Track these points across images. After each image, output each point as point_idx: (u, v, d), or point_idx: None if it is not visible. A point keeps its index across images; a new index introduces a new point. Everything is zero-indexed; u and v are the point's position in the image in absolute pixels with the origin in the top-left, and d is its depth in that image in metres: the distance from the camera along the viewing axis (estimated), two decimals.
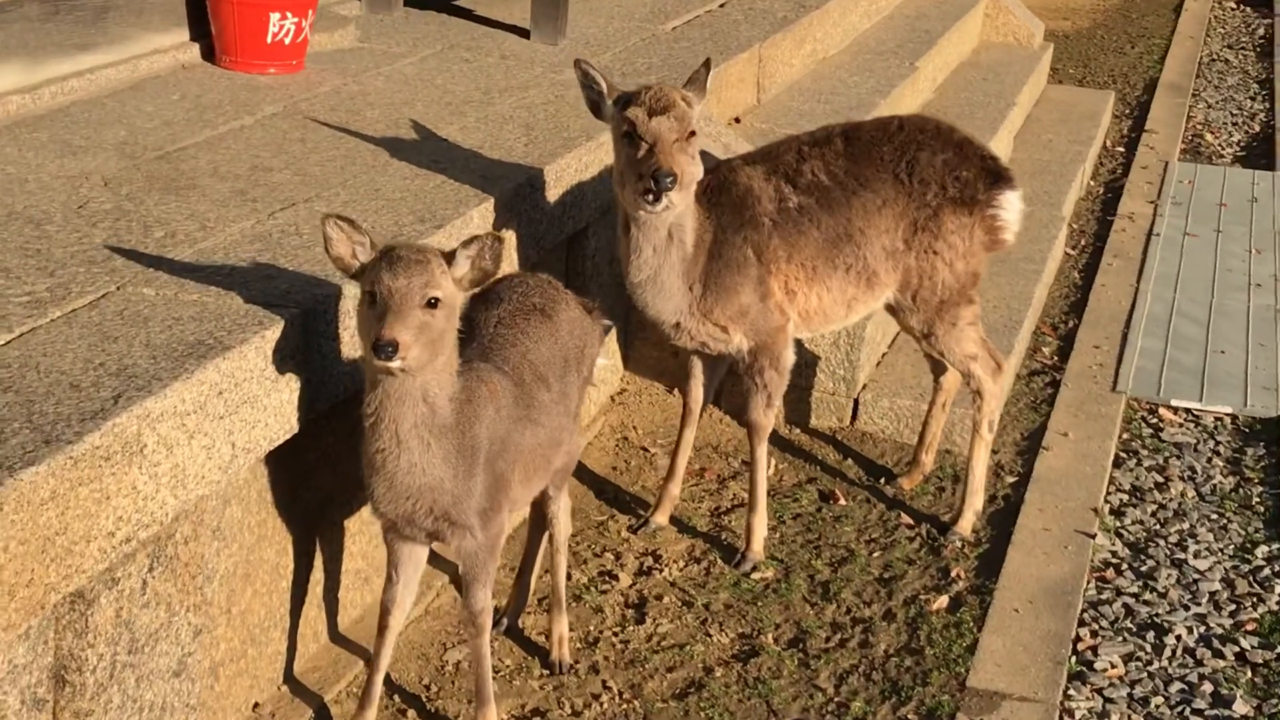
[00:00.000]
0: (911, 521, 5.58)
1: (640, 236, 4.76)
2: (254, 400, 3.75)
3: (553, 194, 5.33)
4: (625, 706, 4.45)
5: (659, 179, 4.51)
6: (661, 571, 5.14)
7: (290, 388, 3.90)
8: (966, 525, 5.52)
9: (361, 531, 4.63)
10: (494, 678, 4.40)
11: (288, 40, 6.06)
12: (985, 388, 5.43)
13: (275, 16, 5.94)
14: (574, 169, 5.47)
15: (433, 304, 3.61)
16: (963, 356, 5.37)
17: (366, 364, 3.74)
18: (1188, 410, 6.78)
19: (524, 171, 5.20)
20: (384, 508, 3.88)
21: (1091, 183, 10.16)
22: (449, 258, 3.70)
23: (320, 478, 4.37)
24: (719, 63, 6.91)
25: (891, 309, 5.39)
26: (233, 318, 3.83)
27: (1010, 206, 5.38)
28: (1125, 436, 6.48)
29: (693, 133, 4.65)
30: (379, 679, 4.13)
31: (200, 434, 3.54)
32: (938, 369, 5.74)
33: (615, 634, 4.78)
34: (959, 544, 5.44)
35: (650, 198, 4.56)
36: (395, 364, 3.55)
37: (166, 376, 3.47)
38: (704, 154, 4.93)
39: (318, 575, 4.44)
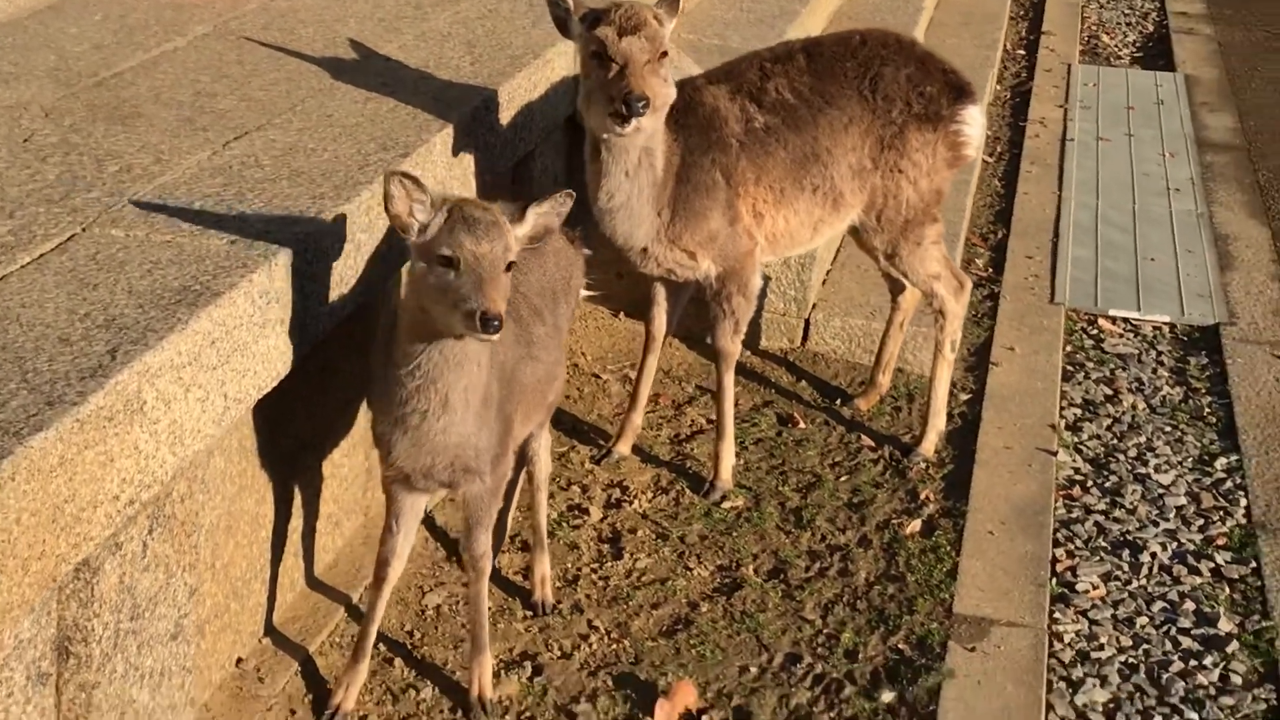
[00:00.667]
0: (873, 443, 5.52)
1: (610, 161, 4.60)
2: (244, 348, 3.55)
3: (505, 116, 5.14)
4: (615, 647, 4.34)
5: (630, 103, 4.34)
6: (631, 504, 5.02)
7: (276, 332, 3.70)
8: (930, 446, 5.46)
9: (333, 475, 4.47)
10: None
11: None
12: (948, 307, 5.36)
13: None
14: (524, 89, 5.28)
15: (509, 268, 3.44)
16: (926, 276, 5.29)
17: (434, 327, 3.50)
18: (1126, 320, 6.78)
19: (478, 93, 5.00)
20: (403, 463, 3.71)
21: (998, 87, 10.12)
22: (518, 215, 3.54)
23: (297, 423, 4.19)
24: None
25: (854, 230, 5.29)
26: (214, 260, 3.62)
27: (973, 121, 5.28)
28: (1069, 349, 6.46)
29: (665, 53, 4.48)
30: (373, 631, 3.98)
31: (196, 386, 3.34)
32: (895, 288, 5.66)
33: (594, 571, 4.67)
34: (924, 465, 5.39)
35: (619, 121, 4.39)
36: (497, 336, 3.39)
37: (160, 328, 3.26)
38: None
39: (295, 523, 4.27)
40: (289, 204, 3.99)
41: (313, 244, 3.85)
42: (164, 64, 5.02)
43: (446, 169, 4.65)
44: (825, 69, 5.09)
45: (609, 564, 4.68)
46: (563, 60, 5.53)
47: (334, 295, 3.97)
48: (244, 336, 3.55)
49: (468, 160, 4.83)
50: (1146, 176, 8.56)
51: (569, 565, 4.68)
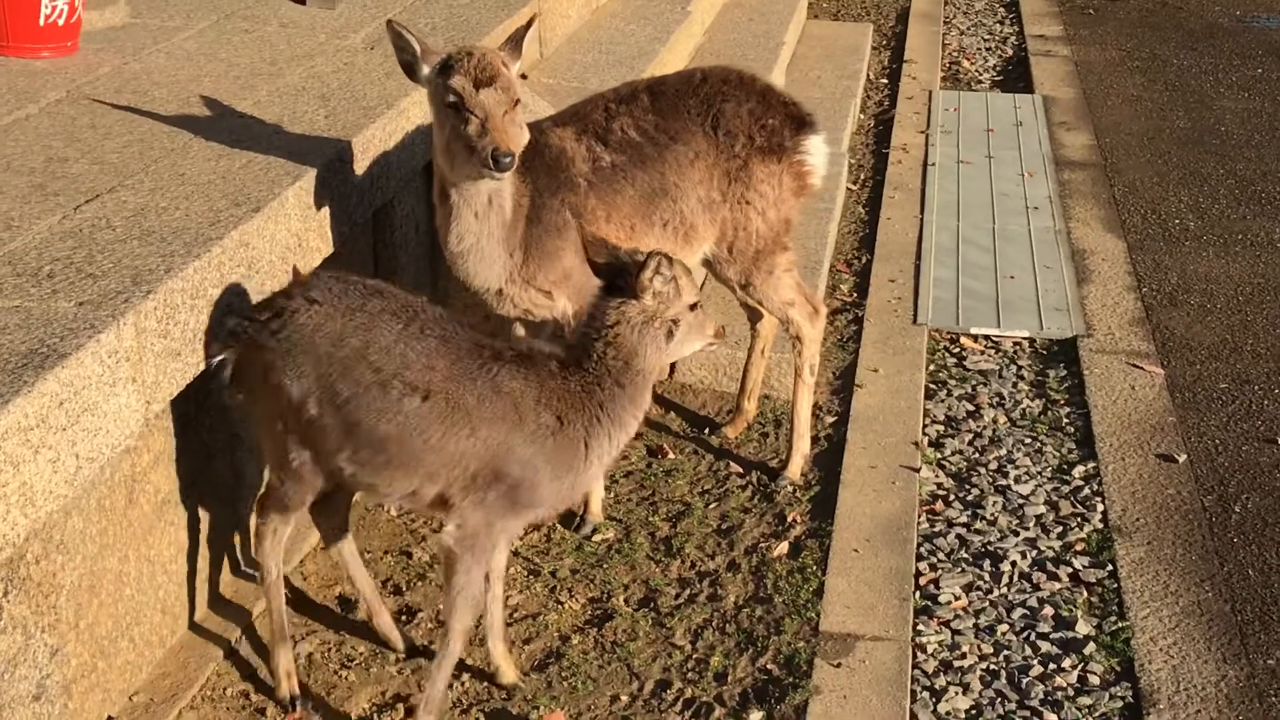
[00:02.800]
0: (741, 470, 5.62)
1: (460, 204, 4.67)
2: (94, 407, 3.60)
3: (361, 166, 5.21)
4: (487, 683, 4.40)
5: (498, 160, 4.35)
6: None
7: (128, 390, 3.75)
8: (796, 469, 5.57)
9: (198, 530, 4.49)
10: (350, 667, 4.35)
11: (61, 21, 5.80)
12: (804, 333, 5.48)
13: None
14: (379, 139, 5.35)
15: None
16: (780, 304, 5.41)
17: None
18: (987, 337, 6.94)
19: (332, 145, 5.07)
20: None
21: (861, 116, 10.30)
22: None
23: (156, 478, 4.22)
24: (500, 19, 6.84)
25: (708, 263, 5.39)
26: (62, 323, 3.66)
27: (816, 151, 5.40)
28: (932, 368, 6.60)
29: (518, 100, 4.56)
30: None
31: (45, 448, 3.39)
32: (753, 316, 5.77)
33: None
34: (790, 489, 5.50)
35: (492, 173, 4.44)
36: None
37: (6, 391, 3.30)
38: None
39: (161, 578, 4.30)
40: (139, 263, 4.03)
41: (163, 302, 3.90)
42: (16, 131, 5.05)
43: (301, 221, 4.71)
44: (669, 107, 5.20)
45: None
46: (417, 109, 5.60)
47: (186, 352, 4.01)
48: (93, 396, 3.59)
49: (323, 211, 4.89)
50: (1006, 196, 8.76)
51: (441, 606, 4.73)
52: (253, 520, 4.29)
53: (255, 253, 4.40)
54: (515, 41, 4.68)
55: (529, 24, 4.74)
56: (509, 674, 4.40)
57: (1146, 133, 10.00)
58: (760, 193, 5.25)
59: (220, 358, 4.08)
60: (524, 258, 4.88)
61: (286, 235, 4.62)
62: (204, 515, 4.54)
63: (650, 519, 5.27)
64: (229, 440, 4.63)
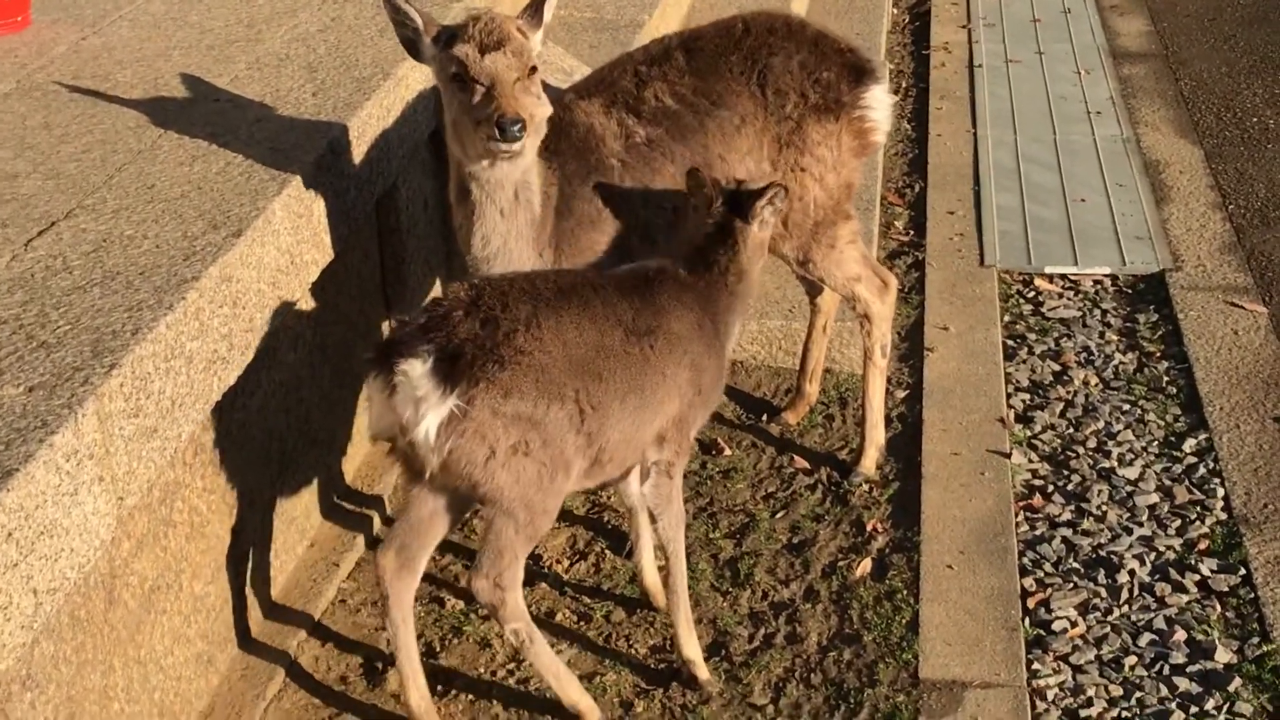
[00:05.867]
0: (808, 465, 4.97)
1: (483, 199, 3.98)
2: (52, 527, 2.95)
3: (358, 153, 4.52)
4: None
5: (504, 128, 3.71)
6: (546, 575, 4.46)
7: (94, 493, 3.10)
8: (870, 463, 4.93)
9: (196, 610, 3.87)
10: None
11: None
12: (874, 310, 4.81)
13: None
14: (377, 118, 4.65)
15: None
16: (845, 280, 4.73)
17: None
18: (1064, 277, 6.25)
19: (322, 134, 4.37)
20: None
21: (895, 10, 9.52)
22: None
23: (141, 566, 3.58)
24: None
25: None
26: (7, 421, 3.00)
27: (879, 103, 4.68)
28: (1007, 318, 5.92)
29: (534, 68, 3.86)
30: None
31: None
32: (812, 289, 5.11)
33: (510, 675, 4.10)
34: (865, 486, 4.86)
35: (500, 144, 3.76)
36: None
37: None
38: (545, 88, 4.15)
39: (153, 680, 3.67)
40: (100, 322, 3.37)
41: (131, 374, 3.24)
42: None
43: (293, 234, 4.04)
44: (708, 65, 4.49)
45: (526, 664, 4.11)
46: (418, 75, 4.90)
47: (164, 425, 3.36)
48: (51, 514, 2.95)
49: (318, 216, 4.22)
50: (1064, 100, 8.02)
51: (481, 668, 4.12)
52: (496, 596, 3.62)
53: (240, 286, 3.74)
54: (536, 7, 4.00)
55: None
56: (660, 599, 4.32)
57: (1206, 13, 9.22)
58: (817, 157, 4.55)
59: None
60: (555, 258, 4.21)
61: (276, 255, 3.95)
62: (205, 591, 3.91)
63: (711, 536, 4.63)
64: (223, 501, 4.00)
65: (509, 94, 3.75)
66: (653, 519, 4.02)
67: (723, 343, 3.98)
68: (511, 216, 4.04)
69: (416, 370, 3.36)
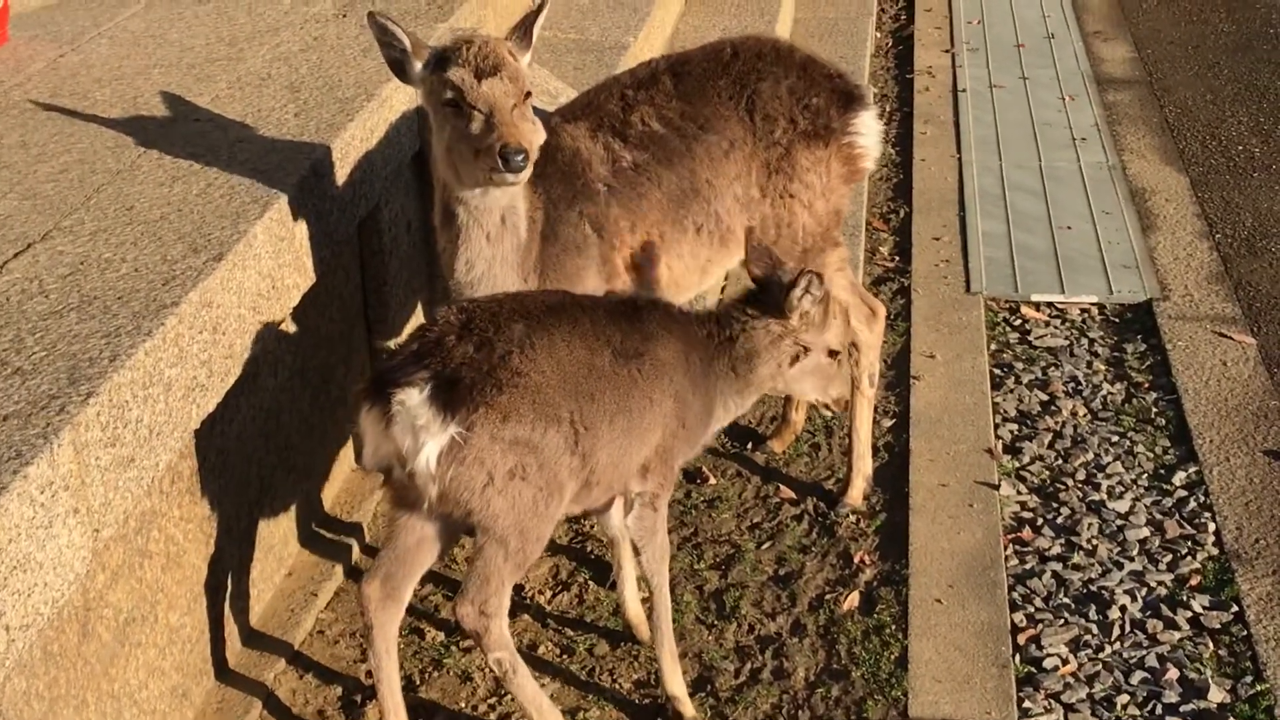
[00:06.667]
0: (794, 495, 4.90)
1: (470, 224, 3.90)
2: (25, 561, 2.87)
3: (341, 175, 4.44)
4: None
5: (508, 158, 3.62)
6: (528, 606, 4.38)
7: (70, 525, 3.02)
8: (857, 494, 4.86)
9: (171, 642, 3.78)
10: None
11: None
12: (862, 339, 4.75)
13: None
14: (360, 139, 4.57)
15: None
16: None
17: None
18: (1051, 305, 6.19)
19: (305, 155, 4.29)
20: None
21: (877, 34, 9.48)
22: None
23: (116, 598, 3.49)
24: None
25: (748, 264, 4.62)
26: None
27: (868, 130, 4.62)
28: (994, 347, 5.86)
29: (528, 93, 3.79)
30: None
31: None
32: None
33: (492, 710, 4.02)
34: (852, 517, 4.79)
35: (505, 174, 3.68)
36: None
37: None
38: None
39: (128, 713, 3.58)
40: (77, 349, 3.28)
41: (108, 403, 3.15)
42: None
43: (274, 258, 3.96)
44: (696, 90, 4.42)
45: (509, 698, 4.02)
46: (402, 96, 4.83)
47: (141, 455, 3.27)
48: (24, 548, 2.86)
49: (300, 240, 4.15)
50: (1049, 126, 7.97)
51: (462, 702, 4.03)
52: (481, 624, 3.53)
53: (220, 312, 3.66)
54: (525, 28, 3.93)
55: (540, 8, 3.95)
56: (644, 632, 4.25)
57: (1189, 40, 9.20)
58: (806, 184, 4.49)
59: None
60: (539, 283, 4.13)
61: (257, 280, 3.87)
62: (181, 623, 3.82)
63: (696, 567, 4.56)
64: (200, 530, 3.91)
65: (509, 122, 3.67)
66: (636, 551, 3.94)
67: (710, 394, 3.86)
68: (498, 241, 3.96)
69: (414, 399, 3.29)
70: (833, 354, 3.88)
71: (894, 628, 4.30)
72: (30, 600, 2.88)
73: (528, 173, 3.72)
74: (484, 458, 3.32)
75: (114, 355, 3.26)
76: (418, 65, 3.83)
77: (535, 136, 3.77)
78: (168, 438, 3.41)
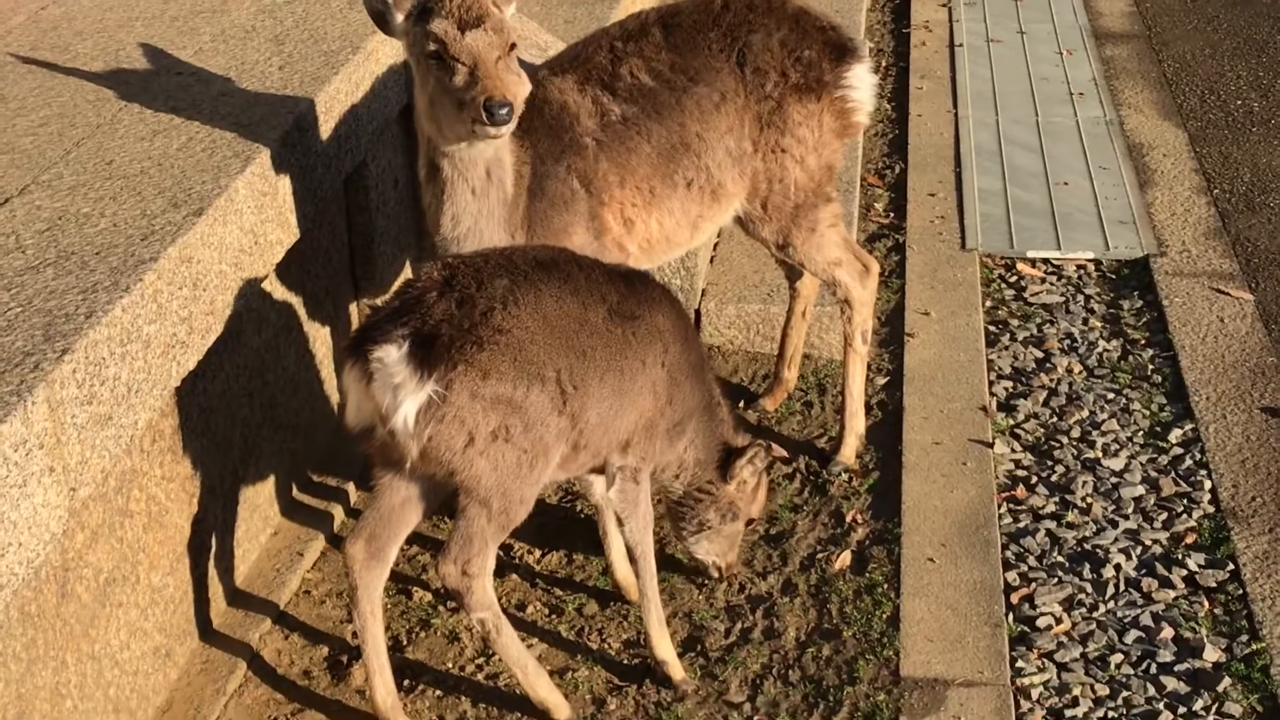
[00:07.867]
0: (786, 453, 4.84)
1: (454, 178, 3.83)
2: (0, 520, 2.81)
3: (325, 129, 4.37)
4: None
5: (493, 111, 3.55)
6: (516, 566, 4.33)
7: (45, 485, 2.96)
8: (850, 453, 4.81)
9: (154, 602, 3.73)
10: None
11: None
12: (855, 296, 4.68)
13: None
14: (345, 93, 4.51)
15: None
16: (825, 264, 4.60)
17: None
18: (1047, 261, 6.12)
19: (288, 109, 4.23)
20: None
21: None
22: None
23: (96, 558, 3.45)
24: None
25: (740, 221, 4.56)
26: None
27: (861, 83, 4.56)
28: (989, 304, 5.80)
29: (513, 44, 3.71)
30: None
31: None
32: (792, 273, 4.98)
33: (479, 669, 3.98)
34: (845, 476, 4.74)
35: (488, 128, 3.61)
36: None
37: None
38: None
39: (109, 675, 3.54)
40: (53, 305, 3.23)
41: (84, 360, 3.10)
42: None
43: (257, 213, 3.90)
44: (686, 42, 4.35)
45: (496, 658, 3.98)
46: (388, 49, 4.76)
47: (120, 412, 3.22)
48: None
49: (283, 195, 4.09)
50: (1046, 81, 7.89)
51: (449, 662, 3.99)
52: (463, 583, 3.48)
53: (200, 268, 3.60)
54: None
55: None
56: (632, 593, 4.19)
57: None
58: (798, 138, 4.43)
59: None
60: (527, 239, 4.07)
61: (239, 236, 3.81)
62: (164, 583, 3.78)
63: None
64: (183, 489, 3.86)
65: (493, 74, 3.60)
66: (620, 522, 3.90)
67: (698, 391, 3.95)
68: (483, 195, 3.90)
69: (392, 356, 3.23)
70: (749, 522, 4.20)
71: (886, 587, 4.25)
72: (4, 560, 2.84)
73: (512, 126, 3.65)
74: (464, 417, 3.26)
75: (90, 311, 3.20)
76: (400, 17, 3.76)
77: (520, 89, 3.70)
78: (147, 395, 3.35)
